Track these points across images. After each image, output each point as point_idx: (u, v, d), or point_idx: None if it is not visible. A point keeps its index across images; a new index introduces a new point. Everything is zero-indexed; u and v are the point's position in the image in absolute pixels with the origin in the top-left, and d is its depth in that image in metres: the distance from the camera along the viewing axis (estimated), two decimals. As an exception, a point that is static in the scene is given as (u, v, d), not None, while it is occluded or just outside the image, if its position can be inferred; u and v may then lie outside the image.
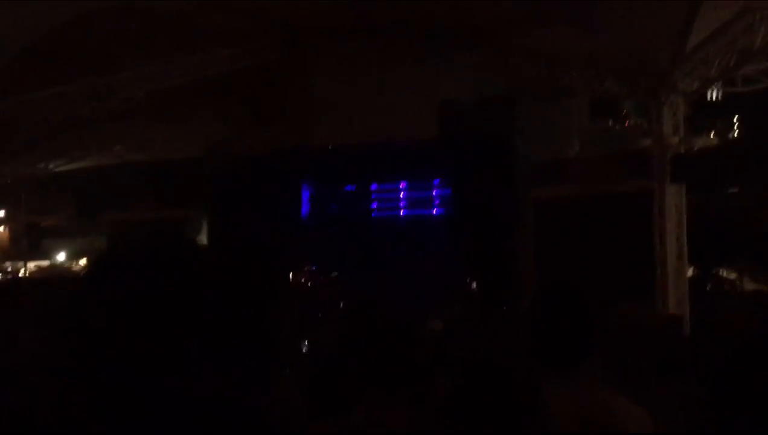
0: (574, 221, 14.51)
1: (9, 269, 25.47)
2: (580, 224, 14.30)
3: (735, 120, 22.87)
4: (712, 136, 12.98)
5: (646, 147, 12.58)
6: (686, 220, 12.28)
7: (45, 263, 26.01)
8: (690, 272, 13.80)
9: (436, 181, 18.18)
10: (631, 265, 12.88)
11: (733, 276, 16.86)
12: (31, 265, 25.29)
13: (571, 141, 16.07)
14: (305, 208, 18.89)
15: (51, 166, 18.37)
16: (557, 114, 16.15)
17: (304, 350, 6.70)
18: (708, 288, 16.16)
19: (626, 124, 17.64)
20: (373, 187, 18.45)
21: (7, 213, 25.28)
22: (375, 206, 18.57)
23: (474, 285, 16.86)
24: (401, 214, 18.45)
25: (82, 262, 25.81)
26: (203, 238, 22.36)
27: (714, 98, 16.87)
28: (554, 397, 2.27)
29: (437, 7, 14.49)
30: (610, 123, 18.59)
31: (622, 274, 13.03)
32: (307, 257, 18.37)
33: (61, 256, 26.77)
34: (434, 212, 18.31)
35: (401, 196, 18.49)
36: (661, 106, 12.18)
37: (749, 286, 16.52)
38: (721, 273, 16.97)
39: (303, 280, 17.91)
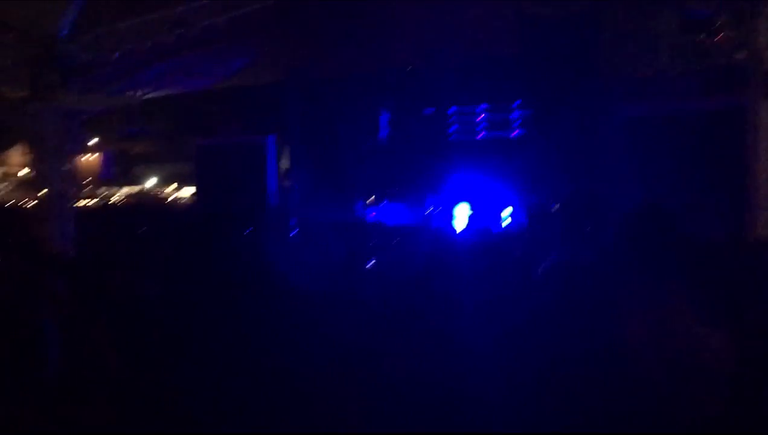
0: (660, 140, 14.05)
1: (103, 194, 26.76)
2: (666, 143, 13.84)
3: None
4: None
5: (739, 61, 11.95)
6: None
7: (135, 189, 27.14)
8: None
9: (517, 102, 17.82)
10: (720, 186, 12.47)
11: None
12: (123, 190, 26.43)
13: (659, 56, 15.42)
14: (383, 132, 18.94)
15: (139, 93, 18.89)
16: (644, 28, 15.47)
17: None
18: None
19: (718, 38, 16.75)
20: (452, 110, 18.29)
21: (99, 141, 26.34)
22: (454, 129, 18.45)
23: (555, 207, 16.70)
24: (478, 137, 18.26)
25: (171, 187, 26.79)
26: (284, 163, 22.81)
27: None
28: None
29: None
30: (701, 36, 17.67)
31: (711, 195, 12.65)
32: (385, 180, 18.57)
33: (150, 182, 27.82)
34: (513, 135, 18.04)
35: (480, 118, 18.26)
36: (758, 16, 11.49)
37: None
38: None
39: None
